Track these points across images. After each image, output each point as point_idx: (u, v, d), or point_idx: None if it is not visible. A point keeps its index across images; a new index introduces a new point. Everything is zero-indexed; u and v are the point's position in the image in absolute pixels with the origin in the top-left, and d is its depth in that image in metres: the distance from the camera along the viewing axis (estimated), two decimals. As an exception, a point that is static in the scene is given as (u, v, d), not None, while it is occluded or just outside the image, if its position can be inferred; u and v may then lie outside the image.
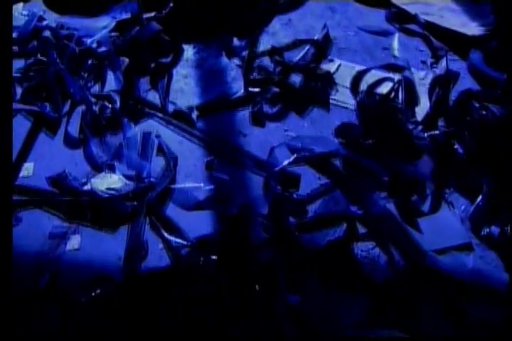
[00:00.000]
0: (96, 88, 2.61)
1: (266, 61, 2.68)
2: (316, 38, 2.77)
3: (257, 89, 2.50)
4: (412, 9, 2.98)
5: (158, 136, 2.32)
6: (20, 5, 3.15)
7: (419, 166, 2.13)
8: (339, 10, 3.05)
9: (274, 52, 2.67)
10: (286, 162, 2.15)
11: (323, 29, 2.84)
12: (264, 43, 2.81)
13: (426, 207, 2.03)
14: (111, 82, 2.63)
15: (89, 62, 2.70)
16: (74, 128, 2.42)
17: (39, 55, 2.64)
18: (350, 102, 2.46)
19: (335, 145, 2.22)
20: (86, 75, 2.62)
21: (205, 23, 2.90)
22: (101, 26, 2.96)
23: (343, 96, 2.48)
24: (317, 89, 2.52)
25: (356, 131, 2.27)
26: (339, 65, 2.65)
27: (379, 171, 2.12)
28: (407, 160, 2.15)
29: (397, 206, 2.04)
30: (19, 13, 3.08)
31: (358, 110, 2.38)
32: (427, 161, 2.14)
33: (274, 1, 3.07)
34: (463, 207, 2.04)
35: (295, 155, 2.17)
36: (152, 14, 2.89)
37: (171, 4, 2.93)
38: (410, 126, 2.30)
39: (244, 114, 2.42)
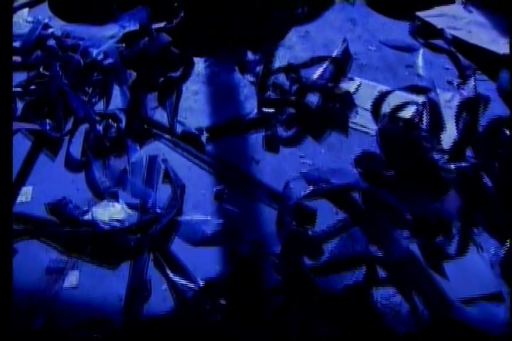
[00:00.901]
0: (101, 104, 2.43)
1: (281, 78, 2.48)
2: (335, 54, 2.55)
3: (271, 110, 2.30)
4: (437, 22, 2.76)
5: (164, 161, 2.14)
6: (26, 11, 2.97)
7: (445, 202, 1.93)
8: (360, 22, 2.83)
9: (290, 69, 2.46)
10: (301, 195, 1.96)
11: (342, 43, 2.63)
12: (280, 57, 2.60)
13: (452, 249, 1.84)
14: (116, 98, 2.45)
15: (95, 75, 2.51)
16: (76, 148, 2.24)
17: (42, 69, 2.45)
18: (371, 127, 2.26)
19: (354, 176, 2.02)
20: (91, 90, 2.44)
21: (218, 35, 2.70)
22: (108, 35, 2.77)
23: (363, 120, 2.28)
24: (335, 111, 2.32)
25: (377, 161, 2.07)
26: (359, 84, 2.44)
27: (401, 207, 1.93)
28: (432, 196, 1.96)
29: (421, 247, 1.85)
30: (24, 19, 2.90)
31: (379, 136, 2.18)
32: (453, 197, 1.95)
33: (291, 10, 2.86)
34: (493, 250, 1.85)
35: (311, 188, 1.98)
36: (162, 24, 2.68)
37: (182, 14, 2.73)
38: (436, 156, 2.10)
39: (257, 138, 2.23)
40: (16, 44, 2.72)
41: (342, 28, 2.79)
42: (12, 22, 2.74)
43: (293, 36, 2.74)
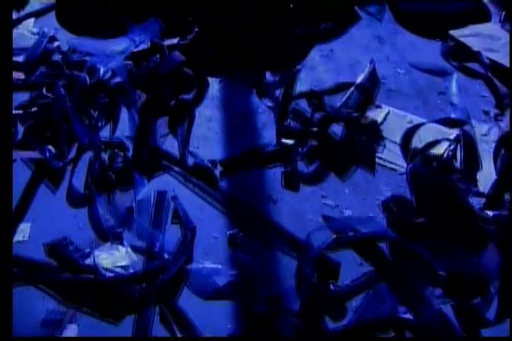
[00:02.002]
0: (107, 129, 2.22)
1: (303, 104, 2.25)
2: (361, 77, 2.31)
3: (291, 142, 2.08)
4: (472, 43, 2.51)
5: (174, 198, 1.94)
6: (32, 21, 2.75)
7: (483, 258, 1.71)
8: (388, 40, 2.59)
9: (313, 95, 2.23)
10: (324, 244, 1.75)
11: (369, 65, 2.39)
12: (301, 79, 2.38)
13: (491, 313, 1.63)
14: (124, 122, 2.24)
15: (101, 96, 2.30)
16: (79, 180, 2.04)
17: (45, 89, 2.24)
18: (400, 163, 2.03)
19: (381, 224, 1.81)
20: (96, 114, 2.23)
21: (234, 53, 2.47)
22: (117, 50, 2.55)
23: (391, 155, 2.06)
24: (361, 144, 2.09)
25: (407, 207, 1.85)
26: (387, 113, 2.21)
27: (433, 261, 1.71)
28: (469, 249, 1.74)
29: (456, 310, 1.64)
30: (29, 31, 2.68)
31: (409, 176, 1.96)
32: (492, 251, 1.73)
33: (313, 26, 2.62)
34: (537, 315, 1.63)
35: (335, 236, 1.77)
36: (175, 41, 2.45)
37: (196, 29, 2.50)
38: (472, 201, 1.87)
39: (275, 173, 2.02)
40: (20, 58, 2.51)
41: (368, 47, 2.55)
42: (12, 35, 2.53)
43: (315, 55, 2.50)
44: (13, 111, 2.20)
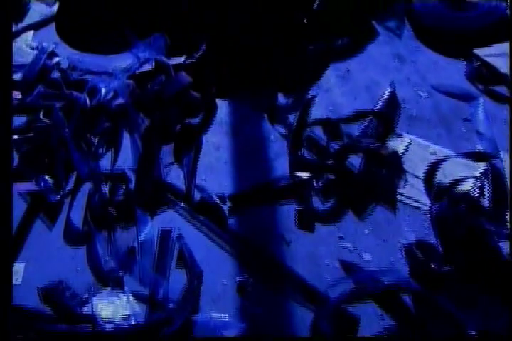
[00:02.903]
0: (108, 156, 2.05)
1: (318, 130, 2.07)
2: (380, 104, 2.13)
3: (305, 175, 1.91)
4: (499, 64, 2.31)
5: (180, 238, 1.78)
6: (31, 34, 2.57)
7: (517, 314, 1.55)
8: (408, 59, 2.39)
9: (329, 123, 2.05)
10: (342, 296, 1.59)
11: (389, 87, 2.21)
12: (316, 103, 2.19)
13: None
14: (126, 149, 2.08)
15: (102, 120, 2.13)
16: (78, 214, 1.88)
17: (42, 114, 2.07)
18: (423, 200, 1.86)
19: (404, 274, 1.64)
20: (97, 140, 2.06)
21: (244, 73, 2.28)
22: (120, 67, 2.37)
23: (413, 191, 1.89)
24: (381, 179, 1.92)
25: (432, 253, 1.68)
26: (409, 143, 2.03)
27: (461, 317, 1.55)
28: (504, 304, 1.57)
29: (487, 374, 1.47)
30: (28, 45, 2.51)
31: (433, 216, 1.78)
32: (527, 306, 1.56)
33: (328, 43, 2.43)
34: None
35: (354, 287, 1.60)
36: (181, 59, 2.27)
37: (204, 46, 2.31)
38: (502, 245, 1.70)
39: (288, 211, 1.85)
40: (17, 76, 2.35)
41: (387, 67, 2.36)
42: (12, 51, 2.35)
43: (331, 76, 2.32)
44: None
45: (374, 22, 2.57)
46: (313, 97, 2.13)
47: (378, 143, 1.99)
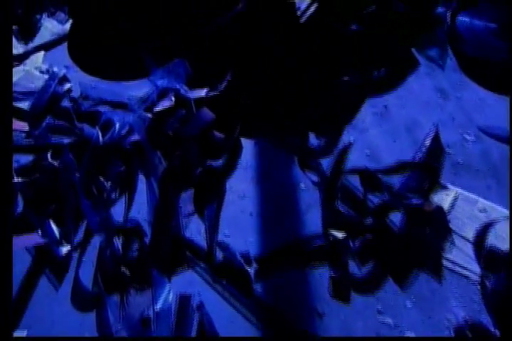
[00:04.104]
0: (122, 203, 1.84)
1: (354, 180, 1.85)
2: (423, 151, 1.89)
3: (340, 234, 1.68)
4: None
5: (200, 307, 1.57)
6: (41, 55, 2.35)
7: None
8: (452, 95, 2.15)
9: (367, 173, 1.82)
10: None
11: (432, 129, 1.97)
12: (351, 144, 1.96)
13: None
14: (142, 195, 1.86)
15: (116, 160, 1.91)
16: (87, 272, 1.67)
17: (50, 155, 1.86)
18: (473, 268, 1.63)
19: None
20: (109, 184, 1.85)
21: (272, 109, 2.05)
22: (137, 96, 2.15)
23: (461, 256, 1.66)
24: (425, 240, 1.69)
25: (486, 337, 1.46)
26: (455, 197, 1.80)
27: None
28: None
29: None
30: (37, 68, 2.29)
31: (484, 287, 1.56)
32: None
33: (363, 75, 2.18)
34: None
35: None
36: (203, 92, 2.04)
37: (229, 77, 2.08)
38: None
39: (321, 277, 1.63)
40: (25, 105, 2.13)
41: (429, 103, 2.12)
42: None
43: (367, 114, 2.08)
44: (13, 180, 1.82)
45: (413, 50, 2.31)
46: (350, 144, 1.89)
47: (421, 198, 1.76)
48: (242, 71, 2.11)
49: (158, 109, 1.96)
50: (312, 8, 2.19)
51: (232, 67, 2.11)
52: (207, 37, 2.19)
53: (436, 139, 1.95)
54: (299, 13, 2.15)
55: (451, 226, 1.72)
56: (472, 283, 1.61)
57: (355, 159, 1.92)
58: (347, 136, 2.00)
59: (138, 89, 2.19)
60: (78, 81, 2.23)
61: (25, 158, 1.93)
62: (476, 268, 1.63)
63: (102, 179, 1.85)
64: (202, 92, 2.04)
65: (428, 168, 1.82)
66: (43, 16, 2.51)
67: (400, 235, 1.70)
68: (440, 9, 2.45)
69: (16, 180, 1.83)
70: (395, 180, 1.82)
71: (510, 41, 2.19)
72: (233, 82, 2.06)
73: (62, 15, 2.51)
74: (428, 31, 2.37)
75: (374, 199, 1.78)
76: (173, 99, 1.98)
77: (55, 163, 1.83)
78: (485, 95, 2.14)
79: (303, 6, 2.18)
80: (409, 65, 2.25)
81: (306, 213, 1.78)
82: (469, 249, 1.67)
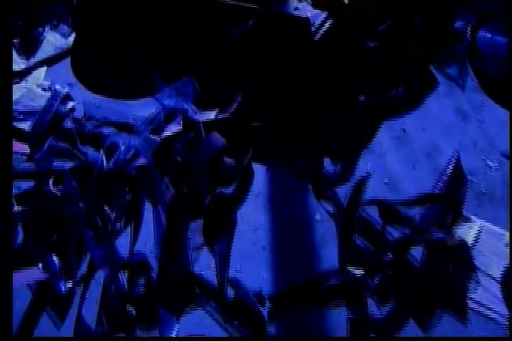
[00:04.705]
0: (127, 233, 1.74)
1: (372, 212, 1.74)
2: (444, 179, 1.79)
3: (359, 272, 1.58)
4: None
5: (210, 350, 1.47)
6: (43, 71, 2.24)
7: None
8: (473, 117, 2.04)
9: (386, 205, 1.72)
10: None
11: (453, 155, 1.87)
12: (369, 170, 1.86)
13: None
14: (148, 224, 1.76)
15: (121, 187, 1.81)
16: (91, 310, 1.58)
17: (52, 182, 1.76)
18: (500, 310, 1.53)
19: None
20: (114, 213, 1.75)
21: (286, 133, 1.95)
22: (143, 116, 2.05)
23: (487, 297, 1.56)
24: (448, 278, 1.59)
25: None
26: (479, 230, 1.70)
27: None
28: None
29: None
30: (39, 85, 2.19)
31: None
32: None
33: (380, 94, 2.08)
34: None
35: None
36: (212, 114, 1.94)
37: (240, 98, 1.98)
38: None
39: (338, 318, 1.53)
40: (26, 125, 2.03)
41: (450, 126, 2.01)
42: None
43: (385, 137, 1.97)
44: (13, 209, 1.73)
45: (432, 68, 2.20)
46: (369, 175, 1.79)
47: (443, 232, 1.65)
48: (253, 91, 2.01)
49: (165, 134, 1.85)
50: (327, 24, 2.08)
51: (242, 86, 2.01)
52: (216, 54, 2.08)
53: (457, 166, 1.84)
54: (313, 29, 2.04)
55: (475, 262, 1.62)
56: (500, 327, 1.51)
57: (372, 187, 1.82)
58: (364, 162, 1.89)
59: (144, 109, 2.08)
60: (82, 99, 2.13)
61: (26, 184, 1.83)
62: (504, 310, 1.53)
63: (106, 208, 1.75)
64: (211, 114, 1.93)
65: (450, 200, 1.72)
66: (46, 29, 2.40)
67: (421, 272, 1.60)
68: (459, 24, 2.34)
69: (16, 208, 1.73)
70: (416, 212, 1.72)
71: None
72: (244, 103, 1.95)
73: (65, 28, 2.40)
74: (447, 47, 2.26)
75: (394, 232, 1.68)
76: (181, 122, 1.87)
77: (57, 192, 1.72)
78: (504, 116, 2.03)
79: (317, 22, 2.07)
80: (427, 84, 2.14)
81: (322, 247, 1.68)
82: (496, 289, 1.57)
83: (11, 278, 1.44)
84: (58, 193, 1.72)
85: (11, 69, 2.19)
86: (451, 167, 1.83)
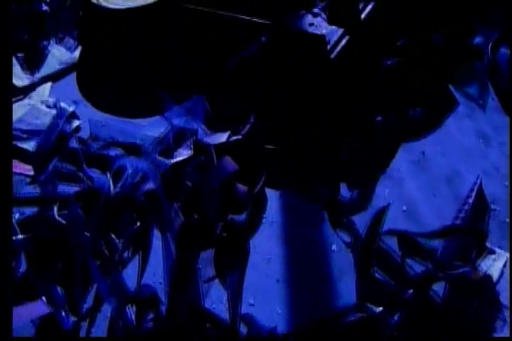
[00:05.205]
0: (135, 263, 1.67)
1: (391, 242, 1.67)
2: (466, 208, 1.71)
3: (378, 309, 1.50)
4: None
5: None
6: (48, 87, 2.17)
7: None
8: (495, 140, 1.97)
9: (406, 237, 1.64)
10: None
11: (475, 183, 1.79)
12: (386, 197, 1.78)
13: None
14: (157, 252, 1.68)
15: (128, 213, 1.74)
16: (97, 345, 1.50)
17: (56, 210, 1.68)
18: (528, 352, 1.45)
19: None
20: (121, 242, 1.67)
21: (300, 156, 1.87)
22: (151, 136, 1.97)
23: (514, 336, 1.47)
24: (473, 316, 1.51)
25: None
26: (504, 264, 1.62)
27: None
28: None
29: None
30: (43, 102, 2.11)
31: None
32: None
33: (397, 116, 1.99)
34: None
35: None
36: (223, 137, 1.86)
37: (252, 119, 1.90)
38: None
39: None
40: (30, 145, 1.95)
41: (471, 151, 1.94)
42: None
43: (403, 162, 1.89)
44: (14, 237, 1.65)
45: (451, 87, 2.12)
46: (388, 205, 1.71)
47: (467, 265, 1.57)
48: (266, 112, 1.93)
49: (175, 160, 1.77)
50: (343, 42, 1.99)
51: (255, 107, 1.93)
52: (228, 72, 2.00)
53: (479, 194, 1.76)
54: (329, 47, 1.96)
55: (501, 299, 1.54)
56: (527, 368, 1.43)
57: (390, 215, 1.73)
58: (381, 188, 1.81)
59: (152, 129, 2.00)
60: (87, 118, 2.05)
61: (30, 210, 1.75)
62: (532, 351, 1.45)
63: (113, 236, 1.67)
64: (223, 137, 1.85)
65: (473, 231, 1.63)
66: (51, 42, 2.32)
67: (443, 309, 1.52)
68: (479, 40, 2.25)
69: (18, 236, 1.66)
70: (437, 244, 1.64)
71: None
72: (257, 125, 1.87)
73: (71, 42, 2.32)
74: (466, 65, 2.17)
75: (414, 265, 1.60)
76: (191, 146, 1.79)
77: (62, 220, 1.65)
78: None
79: (333, 39, 1.99)
80: (447, 104, 2.06)
81: (339, 280, 1.61)
82: (523, 326, 1.49)
83: (11, 314, 1.37)
84: (63, 221, 1.64)
85: (12, 85, 2.11)
86: (472, 195, 1.74)
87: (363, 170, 1.84)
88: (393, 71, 2.06)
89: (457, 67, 2.17)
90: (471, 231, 1.65)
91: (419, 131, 1.98)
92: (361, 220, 1.72)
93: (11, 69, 2.12)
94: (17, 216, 1.73)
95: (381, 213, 1.69)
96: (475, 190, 1.78)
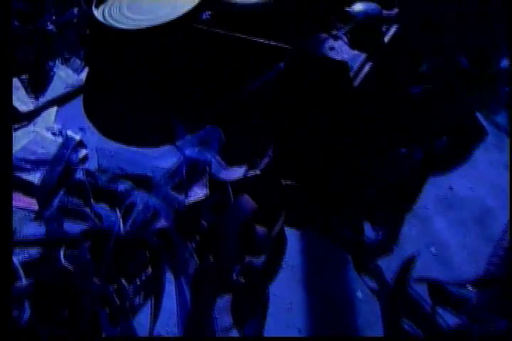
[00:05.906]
0: (147, 310, 1.56)
1: (420, 289, 1.55)
2: (500, 252, 1.60)
3: (409, 365, 1.39)
4: None
5: None
6: (53, 113, 2.05)
7: None
8: (526, 173, 1.84)
9: (436, 285, 1.53)
10: None
11: (507, 223, 1.67)
12: (413, 239, 1.67)
13: None
14: (170, 300, 1.57)
15: (140, 255, 1.63)
16: None
17: (63, 253, 1.57)
18: None
19: None
20: (132, 288, 1.56)
21: (321, 194, 1.76)
22: (163, 170, 1.86)
23: None
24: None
25: None
26: (543, 315, 1.50)
27: None
28: None
29: None
30: (49, 128, 2.00)
31: None
32: None
33: (424, 147, 1.88)
34: None
35: None
36: (240, 172, 1.75)
37: (271, 152, 1.79)
38: None
39: None
40: (35, 177, 1.84)
41: (501, 186, 1.81)
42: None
43: (430, 198, 1.78)
44: (18, 283, 1.54)
45: (479, 115, 2.00)
46: (418, 253, 1.60)
47: (502, 319, 1.46)
48: (285, 143, 1.81)
49: (191, 199, 1.66)
50: (367, 68, 1.88)
51: (273, 138, 1.81)
52: (244, 100, 1.88)
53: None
54: (351, 74, 1.84)
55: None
56: None
57: (419, 259, 1.62)
58: (408, 227, 1.70)
59: (163, 159, 1.89)
60: (94, 146, 1.94)
61: (35, 250, 1.64)
62: None
63: (123, 280, 1.56)
64: (239, 171, 1.74)
65: (510, 283, 1.52)
66: (56, 63, 2.21)
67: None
68: (505, 63, 2.14)
69: (23, 280, 1.55)
70: (470, 292, 1.53)
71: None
72: (275, 159, 1.76)
73: (77, 62, 2.21)
74: (493, 91, 2.06)
75: (445, 315, 1.49)
76: (207, 184, 1.67)
77: (69, 265, 1.54)
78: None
79: (356, 66, 1.87)
80: (475, 134, 1.94)
81: (365, 330, 1.50)
82: None
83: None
84: (70, 267, 1.53)
85: (11, 111, 1.99)
86: (506, 237, 1.63)
87: (388, 208, 1.73)
88: (418, 99, 1.94)
89: (484, 92, 2.06)
90: (507, 282, 1.54)
91: (445, 164, 1.86)
92: (387, 263, 1.60)
93: (11, 93, 2.00)
94: (21, 257, 1.61)
95: (410, 260, 1.57)
96: (507, 231, 1.66)
